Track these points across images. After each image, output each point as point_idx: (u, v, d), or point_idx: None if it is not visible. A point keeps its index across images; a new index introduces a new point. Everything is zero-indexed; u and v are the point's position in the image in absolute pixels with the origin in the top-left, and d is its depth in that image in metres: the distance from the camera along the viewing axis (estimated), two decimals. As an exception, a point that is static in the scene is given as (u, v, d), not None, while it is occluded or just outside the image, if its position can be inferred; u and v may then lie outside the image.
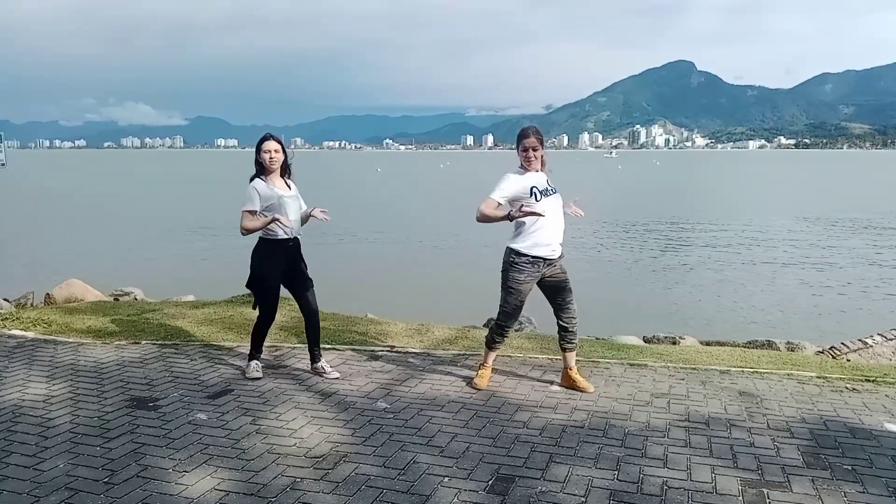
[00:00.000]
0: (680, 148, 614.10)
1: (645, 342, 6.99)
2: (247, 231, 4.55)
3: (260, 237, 4.68)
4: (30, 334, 5.93)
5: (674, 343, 6.92)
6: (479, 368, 4.68)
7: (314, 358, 4.87)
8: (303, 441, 3.67)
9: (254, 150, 4.77)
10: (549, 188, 4.39)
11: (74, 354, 5.28)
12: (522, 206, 4.24)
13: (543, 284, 4.47)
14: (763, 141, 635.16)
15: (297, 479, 3.22)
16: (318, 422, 3.95)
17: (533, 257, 4.33)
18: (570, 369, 4.58)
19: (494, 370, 4.79)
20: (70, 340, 5.74)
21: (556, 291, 4.47)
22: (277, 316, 6.64)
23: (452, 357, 5.33)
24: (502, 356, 5.31)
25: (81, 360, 5.14)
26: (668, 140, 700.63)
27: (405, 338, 5.96)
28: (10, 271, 14.55)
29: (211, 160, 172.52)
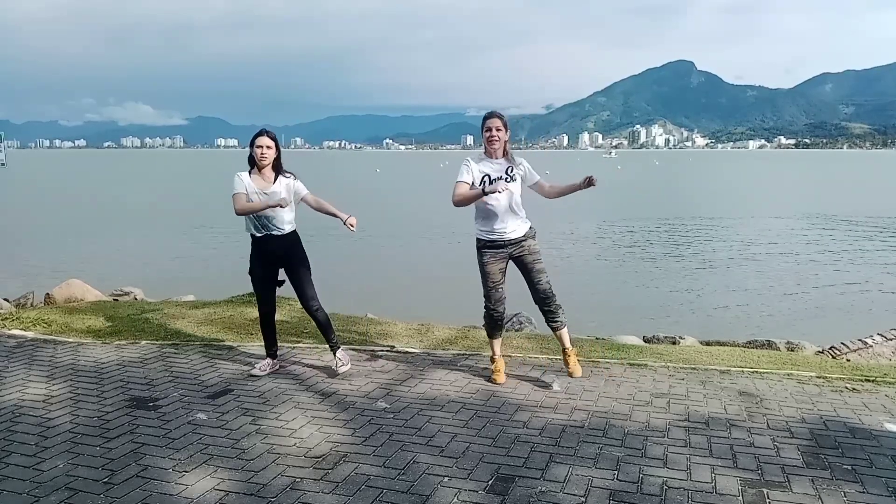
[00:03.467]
0: (680, 148, 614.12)
1: (645, 342, 6.99)
2: (240, 211, 4.61)
3: None
4: (30, 334, 5.93)
5: (674, 343, 6.92)
6: (492, 363, 4.81)
7: (332, 351, 4.87)
8: (303, 441, 3.67)
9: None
10: (506, 176, 4.54)
11: (74, 354, 5.28)
12: (487, 183, 4.47)
13: (516, 265, 4.68)
14: (763, 141, 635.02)
15: (297, 479, 3.22)
16: (318, 422, 3.95)
17: (487, 241, 4.61)
18: (565, 349, 4.76)
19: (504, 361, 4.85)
20: (70, 340, 5.74)
21: (524, 271, 4.68)
22: (277, 314, 6.65)
23: (452, 357, 5.33)
24: (502, 355, 5.31)
25: (81, 360, 5.14)
26: (668, 140, 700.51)
27: (405, 338, 5.96)
28: (10, 271, 14.56)
29: (211, 160, 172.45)
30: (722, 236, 22.04)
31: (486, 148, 4.59)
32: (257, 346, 5.59)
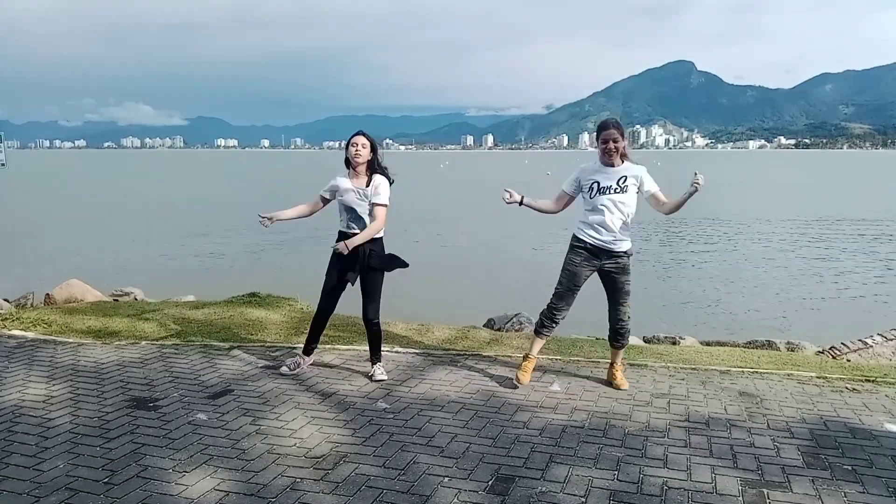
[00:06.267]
0: (680, 148, 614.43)
1: (645, 342, 6.98)
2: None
3: None
4: (30, 334, 5.93)
5: (674, 343, 6.91)
6: (523, 360, 4.73)
7: (372, 362, 4.87)
8: (303, 441, 3.67)
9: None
10: (618, 187, 4.40)
11: (74, 355, 5.28)
12: (596, 190, 4.46)
13: (603, 278, 4.58)
14: (763, 141, 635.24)
15: (297, 480, 3.22)
16: (318, 422, 3.95)
17: (586, 243, 4.48)
18: (612, 365, 4.72)
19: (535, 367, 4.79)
20: (70, 341, 5.74)
21: (610, 288, 4.58)
22: (277, 315, 6.67)
23: (452, 357, 5.33)
24: (502, 356, 5.32)
25: (81, 360, 5.14)
26: (669, 140, 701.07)
27: (405, 338, 5.96)
28: (10, 271, 14.55)
29: (211, 160, 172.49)
30: (722, 236, 22.03)
31: (601, 157, 4.49)
32: (258, 346, 5.59)
